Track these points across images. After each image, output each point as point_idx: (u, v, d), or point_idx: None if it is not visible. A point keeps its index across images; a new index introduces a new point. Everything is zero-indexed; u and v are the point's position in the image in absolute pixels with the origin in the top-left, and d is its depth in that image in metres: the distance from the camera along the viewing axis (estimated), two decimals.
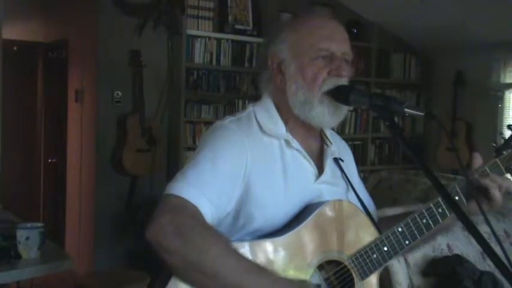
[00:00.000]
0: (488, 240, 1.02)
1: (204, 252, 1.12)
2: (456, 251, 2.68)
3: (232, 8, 4.66)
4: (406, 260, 2.56)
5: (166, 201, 1.20)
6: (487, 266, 2.61)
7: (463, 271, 2.47)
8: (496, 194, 1.31)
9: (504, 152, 1.36)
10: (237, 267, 1.13)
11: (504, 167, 1.35)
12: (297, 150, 1.34)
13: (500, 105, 4.97)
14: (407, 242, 1.31)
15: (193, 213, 1.17)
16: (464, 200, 1.34)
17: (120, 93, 4.30)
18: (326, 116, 1.32)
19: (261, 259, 1.20)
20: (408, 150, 1.15)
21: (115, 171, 4.30)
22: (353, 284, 1.29)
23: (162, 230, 1.13)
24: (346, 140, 1.59)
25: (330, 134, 1.47)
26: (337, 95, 1.30)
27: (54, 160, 5.42)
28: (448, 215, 1.32)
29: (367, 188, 1.59)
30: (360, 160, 5.20)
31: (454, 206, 1.12)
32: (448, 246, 2.70)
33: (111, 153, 4.30)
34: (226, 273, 1.12)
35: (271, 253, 1.21)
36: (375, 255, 1.30)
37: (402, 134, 1.19)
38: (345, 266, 1.29)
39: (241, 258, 1.16)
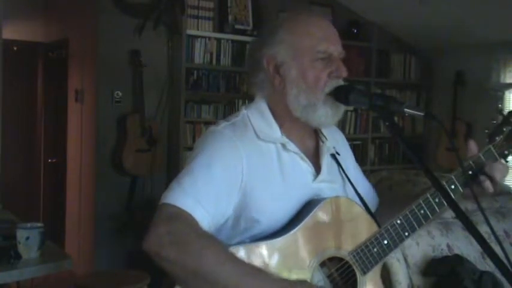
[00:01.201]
0: (488, 240, 1.02)
1: (203, 259, 1.12)
2: (456, 251, 2.68)
3: (232, 8, 4.66)
4: (406, 260, 2.57)
5: (162, 210, 1.19)
6: (487, 266, 2.62)
7: (463, 271, 2.48)
8: (489, 181, 1.32)
9: (497, 138, 1.38)
10: (237, 272, 1.13)
11: (497, 153, 1.37)
12: (293, 152, 1.34)
13: (500, 105, 4.97)
14: (406, 234, 1.32)
15: (189, 222, 1.17)
16: (460, 188, 1.34)
17: (120, 93, 4.30)
18: (329, 116, 1.32)
19: (261, 261, 1.20)
20: (408, 150, 1.15)
21: (115, 171, 4.30)
22: (355, 280, 1.30)
23: (159, 240, 1.14)
24: (346, 140, 1.59)
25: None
26: (338, 95, 1.30)
27: (54, 160, 5.42)
28: (445, 204, 1.33)
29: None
30: (360, 160, 5.17)
31: (454, 206, 1.12)
32: (448, 246, 2.70)
33: (111, 153, 4.30)
34: (227, 278, 1.13)
35: (271, 255, 1.21)
36: (375, 249, 1.31)
37: (402, 134, 1.19)
38: (347, 262, 1.30)
39: (241, 262, 1.16)
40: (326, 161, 1.39)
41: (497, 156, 1.36)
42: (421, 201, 1.33)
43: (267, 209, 1.26)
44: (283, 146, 1.33)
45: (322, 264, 1.28)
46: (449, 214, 2.81)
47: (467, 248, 2.70)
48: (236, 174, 1.25)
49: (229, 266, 1.14)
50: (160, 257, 1.14)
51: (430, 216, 1.33)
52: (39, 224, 2.39)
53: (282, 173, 1.30)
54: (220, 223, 1.26)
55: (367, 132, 5.38)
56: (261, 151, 1.30)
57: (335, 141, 1.46)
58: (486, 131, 1.39)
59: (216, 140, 1.29)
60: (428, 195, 1.33)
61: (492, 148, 1.37)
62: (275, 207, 1.27)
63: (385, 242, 1.31)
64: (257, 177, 1.27)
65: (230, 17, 4.64)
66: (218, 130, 1.31)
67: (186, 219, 1.17)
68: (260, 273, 1.16)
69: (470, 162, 1.35)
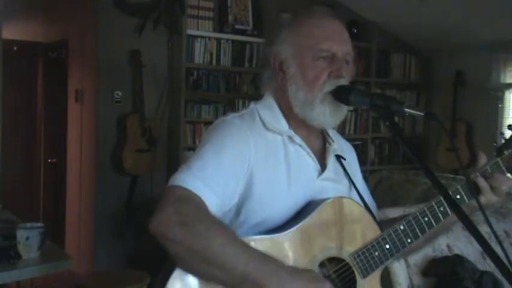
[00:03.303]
0: (488, 240, 1.02)
1: (210, 241, 1.11)
2: (456, 251, 2.68)
3: (232, 8, 4.66)
4: (406, 260, 2.56)
5: (170, 192, 1.19)
6: (487, 266, 2.62)
7: (463, 271, 2.47)
8: (495, 194, 1.33)
9: (505, 152, 1.37)
10: (243, 255, 1.12)
11: (505, 167, 1.36)
12: (300, 145, 1.35)
13: (500, 105, 4.97)
14: (409, 240, 1.31)
15: (198, 204, 1.17)
16: (466, 198, 1.33)
17: (120, 93, 4.30)
18: (327, 115, 1.33)
19: None
20: (408, 150, 1.15)
21: (115, 171, 4.30)
22: (354, 282, 1.29)
23: (167, 220, 1.13)
24: (346, 140, 1.59)
25: (332, 133, 1.47)
26: (338, 94, 1.31)
27: (54, 160, 5.42)
28: (450, 214, 1.32)
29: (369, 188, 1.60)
30: (360, 160, 5.18)
31: (454, 205, 1.12)
32: (448, 246, 2.70)
33: (111, 153, 4.31)
34: (232, 261, 1.11)
35: (272, 250, 1.20)
36: (376, 253, 1.30)
37: (402, 134, 1.19)
38: (347, 264, 1.29)
39: (247, 246, 1.15)
40: (332, 161, 1.40)
41: (504, 170, 1.36)
42: (426, 209, 1.32)
43: (268, 200, 1.26)
44: (290, 138, 1.34)
45: (321, 265, 1.27)
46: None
47: (467, 248, 2.70)
48: (244, 161, 1.26)
49: (236, 250, 1.12)
50: (166, 237, 1.12)
51: (434, 224, 1.31)
52: (39, 224, 2.39)
53: (287, 165, 1.31)
54: (225, 211, 1.26)
55: (367, 132, 5.38)
56: (268, 141, 1.32)
57: (342, 148, 1.48)
58: (494, 144, 1.38)
59: (227, 128, 1.31)
60: (433, 203, 1.32)
61: (500, 161, 1.36)
62: (276, 199, 1.28)
63: (387, 246, 1.30)
64: (263, 166, 1.27)
65: (230, 17, 4.64)
66: (228, 120, 1.34)
67: (195, 201, 1.17)
68: (267, 258, 1.15)
69: (478, 174, 1.34)
